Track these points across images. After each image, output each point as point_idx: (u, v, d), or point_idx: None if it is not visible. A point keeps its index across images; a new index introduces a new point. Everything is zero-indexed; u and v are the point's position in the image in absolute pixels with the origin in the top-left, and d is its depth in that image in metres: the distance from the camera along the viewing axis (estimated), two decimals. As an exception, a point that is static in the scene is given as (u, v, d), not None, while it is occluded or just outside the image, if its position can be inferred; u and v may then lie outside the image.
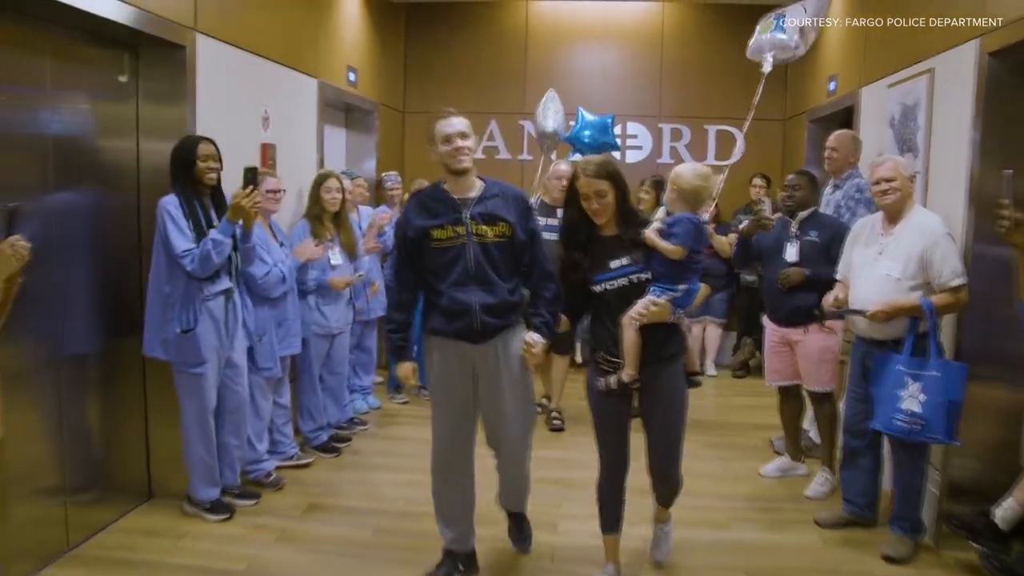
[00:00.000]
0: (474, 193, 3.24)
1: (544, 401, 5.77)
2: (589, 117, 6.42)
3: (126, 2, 3.45)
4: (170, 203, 3.63)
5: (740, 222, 5.95)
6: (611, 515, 3.35)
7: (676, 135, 7.75)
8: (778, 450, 4.93)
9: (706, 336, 7.28)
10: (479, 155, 7.70)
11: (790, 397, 4.59)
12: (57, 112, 3.48)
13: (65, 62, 3.51)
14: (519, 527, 3.65)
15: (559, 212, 5.14)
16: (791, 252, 4.32)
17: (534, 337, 3.22)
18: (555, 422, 5.57)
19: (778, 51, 5.11)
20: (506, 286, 3.24)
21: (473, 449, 3.38)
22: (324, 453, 4.84)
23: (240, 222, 3.70)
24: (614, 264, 3.15)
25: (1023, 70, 3.41)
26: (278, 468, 4.45)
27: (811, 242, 4.29)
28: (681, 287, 3.10)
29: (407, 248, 3.29)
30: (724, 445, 5.26)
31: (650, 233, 3.09)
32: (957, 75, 3.78)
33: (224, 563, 3.51)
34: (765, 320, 4.67)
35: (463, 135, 3.19)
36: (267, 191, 4.26)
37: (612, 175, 3.12)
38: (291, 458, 4.60)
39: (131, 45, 3.84)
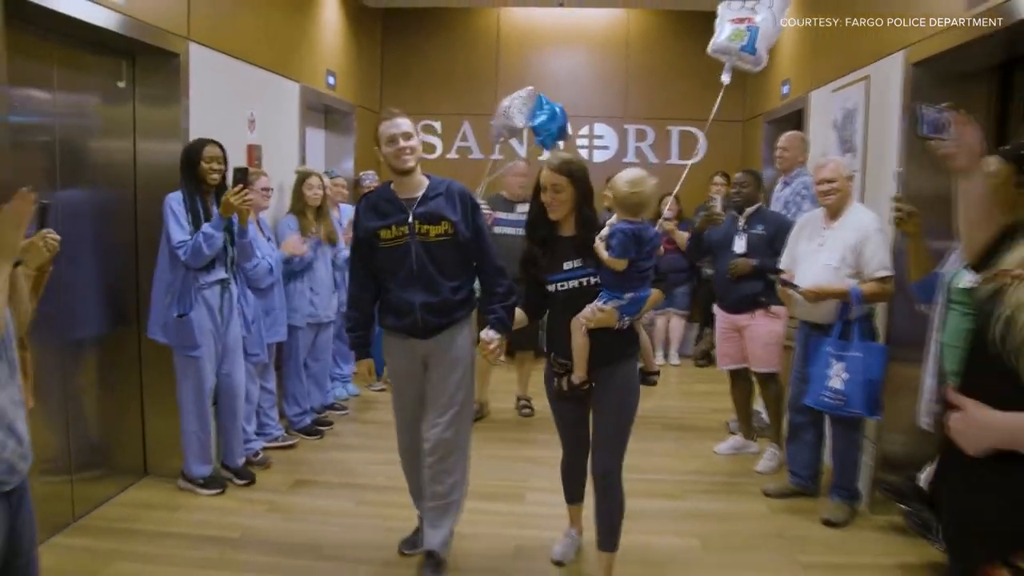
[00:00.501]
0: (419, 192, 3.29)
1: (526, 399, 5.90)
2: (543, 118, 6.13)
3: (125, 14, 3.72)
4: (174, 199, 3.94)
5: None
6: (574, 489, 3.57)
7: (641, 136, 8.12)
8: (733, 431, 5.28)
9: (670, 327, 7.64)
10: (452, 155, 8.05)
11: (740, 379, 4.95)
12: (62, 115, 3.75)
13: (69, 69, 3.78)
14: (435, 570, 3.43)
15: (517, 207, 5.40)
16: (739, 244, 4.68)
17: (489, 334, 3.28)
18: (524, 410, 5.79)
19: (741, 63, 5.25)
20: (449, 285, 3.29)
21: None
22: (307, 436, 5.13)
23: (236, 219, 4.01)
24: (567, 265, 3.18)
25: (942, 78, 3.76)
26: (265, 448, 4.74)
27: (758, 235, 4.64)
28: (627, 295, 3.10)
29: (360, 248, 3.37)
30: (683, 427, 5.62)
31: (598, 242, 3.11)
32: (888, 82, 4.15)
33: (219, 531, 3.80)
34: (715, 308, 5.02)
35: (407, 135, 3.24)
36: (261, 189, 4.57)
37: (572, 173, 3.12)
38: (277, 439, 4.90)
39: (129, 53, 4.11)
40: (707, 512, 4.19)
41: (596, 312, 3.08)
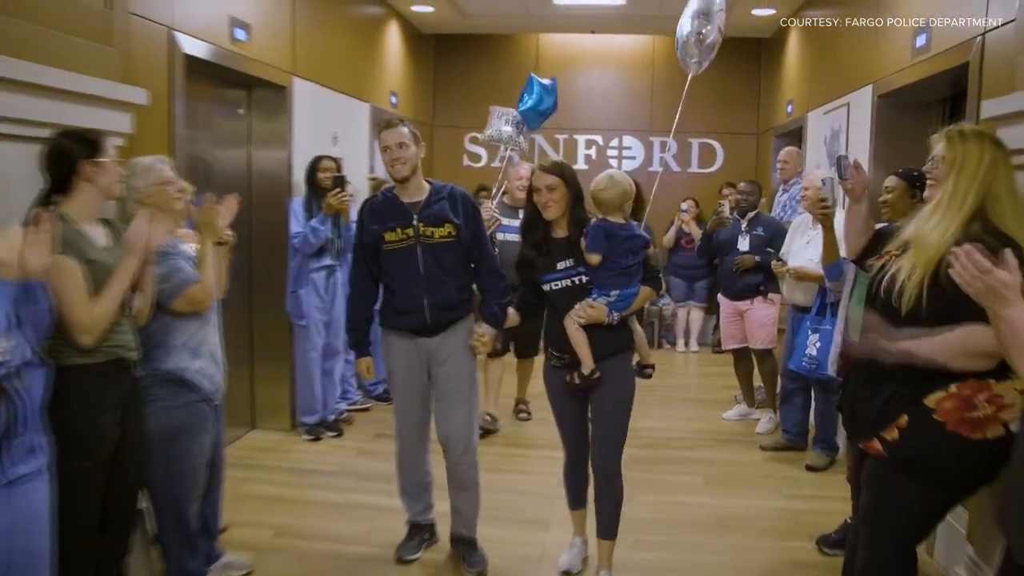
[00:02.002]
0: (422, 197, 3.39)
1: (492, 414, 5.67)
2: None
3: (250, 58, 4.73)
4: (297, 201, 5.03)
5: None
6: (576, 493, 3.60)
7: (664, 147, 9.03)
8: (739, 401, 6.20)
9: (690, 319, 8.55)
10: (496, 163, 9.00)
11: (742, 357, 5.87)
12: (203, 135, 4.77)
13: (209, 102, 4.82)
14: (471, 554, 3.63)
15: (521, 213, 5.22)
16: (743, 244, 5.60)
17: (483, 327, 3.47)
18: (522, 415, 5.86)
19: (694, 49, 5.31)
20: (454, 283, 3.42)
21: (429, 435, 3.70)
22: (380, 401, 6.11)
23: (339, 216, 5.05)
24: (560, 265, 3.28)
25: (902, 107, 4.67)
26: (346, 410, 5.73)
27: (759, 236, 5.55)
28: (614, 292, 3.24)
29: (363, 251, 3.48)
30: (699, 400, 6.56)
31: (584, 241, 3.26)
32: (862, 109, 5.07)
33: (322, 467, 4.82)
34: (720, 297, 5.94)
35: (400, 145, 3.28)
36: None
37: (564, 173, 3.22)
38: (355, 403, 5.89)
39: (248, 86, 5.13)
40: (712, 459, 5.12)
41: (587, 309, 3.22)
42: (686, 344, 8.56)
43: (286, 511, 4.17)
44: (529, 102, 5.82)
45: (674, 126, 5.46)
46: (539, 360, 5.94)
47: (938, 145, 2.53)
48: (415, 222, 3.35)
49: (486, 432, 5.34)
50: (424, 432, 3.66)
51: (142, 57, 3.52)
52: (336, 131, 6.07)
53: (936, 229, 2.40)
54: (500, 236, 5.25)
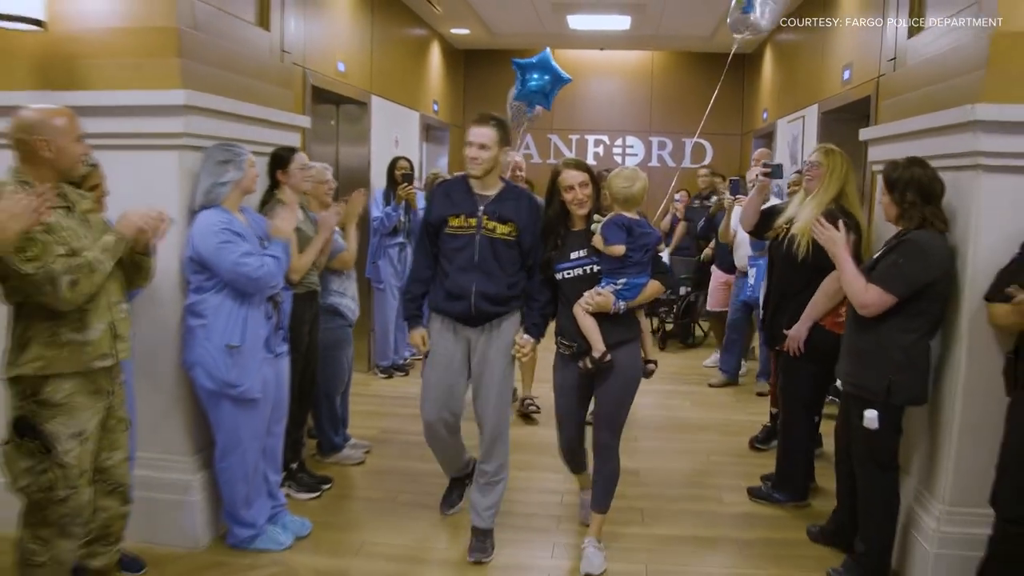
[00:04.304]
0: (493, 192, 3.48)
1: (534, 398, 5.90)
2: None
3: (345, 82, 6.22)
4: (378, 192, 6.47)
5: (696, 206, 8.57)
6: (576, 464, 3.83)
7: (662, 145, 10.56)
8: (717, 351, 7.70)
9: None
10: (518, 156, 10.50)
11: (721, 318, 7.36)
12: (311, 138, 6.25)
13: (313, 116, 6.26)
14: (483, 541, 3.62)
15: None
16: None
17: (525, 337, 3.50)
18: (530, 408, 5.77)
19: (748, 31, 6.03)
20: (506, 280, 3.46)
21: (460, 415, 3.71)
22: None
23: (408, 204, 6.51)
24: (574, 255, 3.38)
25: (839, 121, 6.13)
26: (409, 356, 7.22)
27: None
28: (621, 281, 3.31)
29: (428, 230, 3.58)
30: (684, 354, 8.10)
31: (596, 237, 3.32)
32: (812, 121, 6.57)
33: (399, 394, 6.34)
34: (713, 269, 7.41)
35: (483, 146, 3.35)
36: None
37: (588, 169, 3.39)
38: (414, 354, 7.38)
39: (336, 103, 6.63)
40: (695, 391, 6.68)
41: (595, 296, 3.30)
42: (679, 314, 10.07)
43: (382, 419, 5.70)
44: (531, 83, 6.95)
45: (699, 127, 7.11)
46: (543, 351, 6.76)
47: (816, 154, 4.05)
48: (479, 214, 3.45)
49: (528, 415, 5.73)
50: (454, 413, 3.67)
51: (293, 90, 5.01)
52: (397, 135, 7.57)
53: (814, 210, 3.89)
54: None
